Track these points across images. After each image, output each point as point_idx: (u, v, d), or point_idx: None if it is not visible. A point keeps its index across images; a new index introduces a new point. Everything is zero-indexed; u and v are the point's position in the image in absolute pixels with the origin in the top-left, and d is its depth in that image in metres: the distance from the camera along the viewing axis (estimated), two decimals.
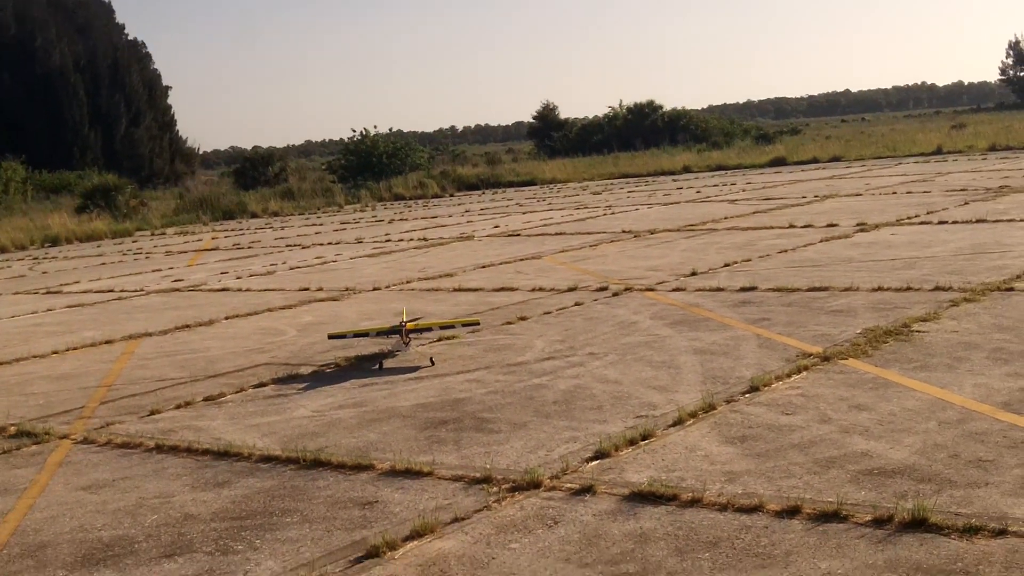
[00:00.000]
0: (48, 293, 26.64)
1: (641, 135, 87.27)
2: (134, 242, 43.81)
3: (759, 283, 17.65)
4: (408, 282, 22.29)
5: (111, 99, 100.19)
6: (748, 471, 8.54)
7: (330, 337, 15.34)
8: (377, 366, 13.72)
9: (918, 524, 7.18)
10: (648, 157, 72.08)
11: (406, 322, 14.36)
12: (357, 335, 15.16)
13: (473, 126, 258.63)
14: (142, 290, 25.34)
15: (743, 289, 17.30)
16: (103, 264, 34.16)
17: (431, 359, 13.75)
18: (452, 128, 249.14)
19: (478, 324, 15.60)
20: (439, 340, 15.30)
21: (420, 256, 27.62)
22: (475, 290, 20.08)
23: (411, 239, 32.74)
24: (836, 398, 10.48)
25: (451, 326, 15.40)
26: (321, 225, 43.62)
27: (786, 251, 21.79)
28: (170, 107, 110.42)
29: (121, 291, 25.47)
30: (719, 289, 17.58)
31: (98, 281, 28.44)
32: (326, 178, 71.92)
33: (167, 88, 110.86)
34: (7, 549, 8.29)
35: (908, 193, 33.64)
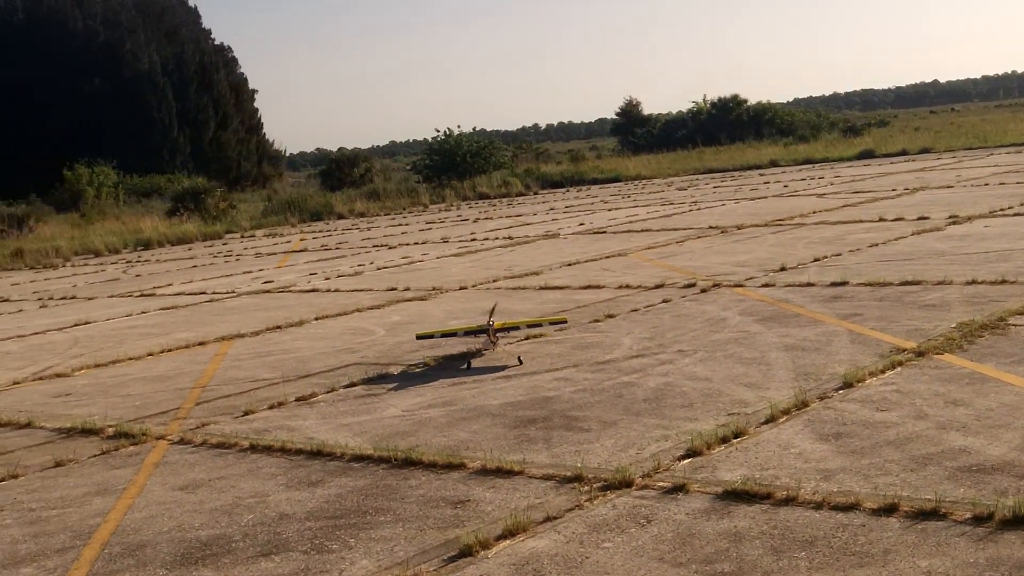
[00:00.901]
0: (142, 296, 27.07)
1: (726, 129, 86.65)
2: (224, 244, 44.37)
3: (850, 278, 17.46)
4: (494, 281, 22.34)
5: (199, 102, 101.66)
6: (843, 468, 8.45)
7: (418, 337, 15.41)
8: (465, 366, 13.72)
9: (1019, 521, 7.06)
10: (733, 151, 71.63)
11: (493, 321, 14.34)
12: (445, 335, 15.18)
13: (556, 124, 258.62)
14: (233, 292, 25.65)
15: (833, 284, 17.12)
16: (194, 266, 34.63)
17: (519, 358, 13.72)
18: (535, 126, 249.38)
19: (566, 323, 15.50)
20: (526, 339, 15.31)
21: (506, 254, 27.67)
22: (561, 288, 20.07)
23: (496, 238, 32.81)
24: (931, 393, 10.34)
25: (538, 324, 15.41)
26: (407, 225, 43.86)
27: (877, 245, 21.52)
28: (257, 110, 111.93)
29: (213, 293, 25.80)
30: (809, 284, 17.41)
31: (190, 283, 28.84)
32: (411, 178, 72.40)
33: (253, 91, 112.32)
34: (108, 548, 8.44)
35: (1001, 184, 33.08)
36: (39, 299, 28.81)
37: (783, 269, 19.34)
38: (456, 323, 16.82)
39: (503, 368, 13.41)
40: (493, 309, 15.12)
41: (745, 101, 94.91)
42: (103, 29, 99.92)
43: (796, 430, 9.60)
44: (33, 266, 42.48)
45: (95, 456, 11.33)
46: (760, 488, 8.11)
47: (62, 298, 28.55)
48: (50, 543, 8.72)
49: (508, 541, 7.65)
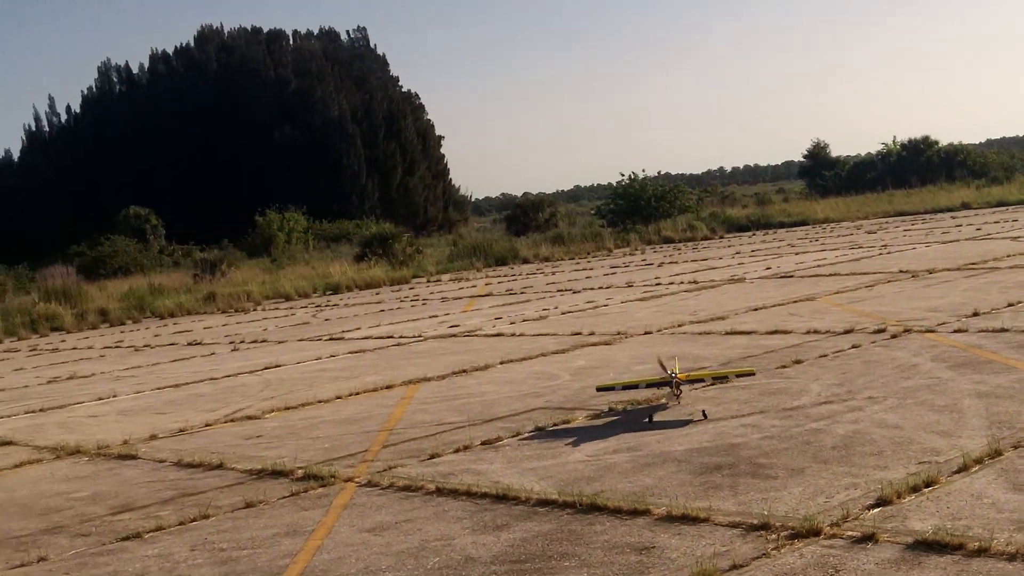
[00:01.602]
0: (331, 339, 27.67)
1: (916, 171, 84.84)
2: (411, 289, 45.11)
3: None
4: (679, 325, 22.22)
5: (387, 149, 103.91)
6: None
7: (599, 390, 15.01)
8: (647, 419, 13.27)
9: None
10: (924, 194, 70.07)
11: (677, 373, 13.74)
12: (626, 387, 14.66)
13: (742, 167, 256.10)
14: (420, 336, 26.03)
15: None
16: (382, 311, 35.27)
17: (704, 412, 13.17)
18: (720, 169, 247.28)
19: (753, 374, 14.82)
20: (712, 385, 15.18)
21: (691, 299, 27.50)
22: (748, 333, 19.85)
23: (681, 282, 32.64)
24: None
25: (724, 377, 14.91)
26: (591, 269, 43.96)
27: None
28: (443, 156, 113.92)
29: (400, 337, 26.23)
30: (1003, 330, 16.88)
31: (378, 327, 29.37)
32: (595, 222, 72.71)
33: (440, 137, 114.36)
34: None
35: None
36: (231, 342, 29.70)
37: (976, 314, 18.79)
38: (639, 372, 16.77)
39: (687, 423, 12.92)
40: (664, 363, 14.26)
41: (936, 142, 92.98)
42: (294, 78, 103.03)
43: (989, 479, 9.30)
44: (225, 310, 43.86)
45: (284, 498, 11.59)
46: (952, 539, 7.87)
47: (253, 341, 29.39)
48: None
49: None
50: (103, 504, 12.27)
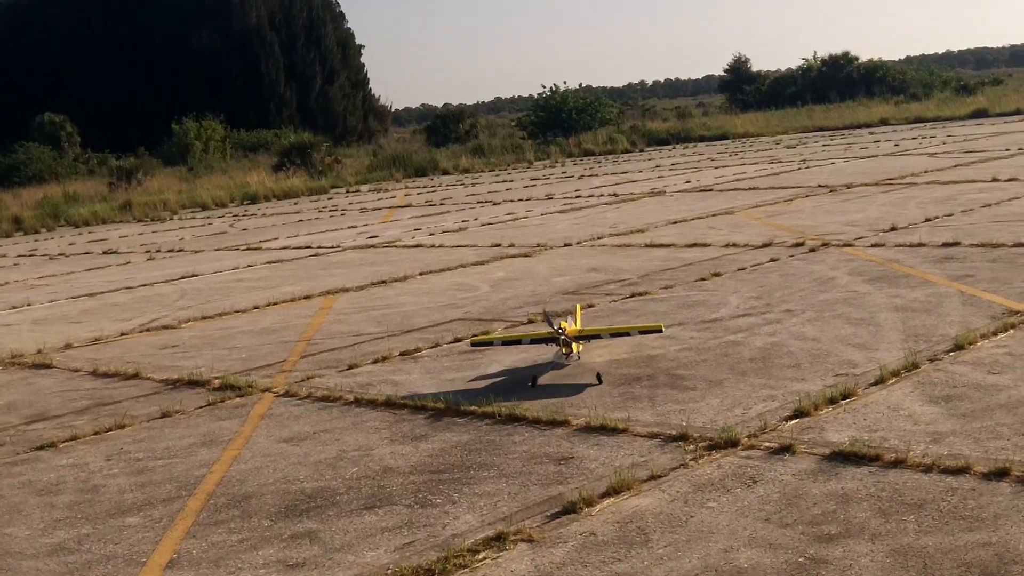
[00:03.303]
0: (248, 249, 27.41)
1: (836, 87, 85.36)
2: (329, 199, 44.74)
3: (962, 238, 17.09)
4: (599, 238, 22.23)
5: (306, 57, 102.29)
6: (954, 431, 8.28)
7: (472, 345, 12.70)
8: (530, 383, 10.98)
9: None
10: (843, 110, 70.57)
11: (565, 328, 11.26)
12: (506, 343, 12.37)
13: (663, 80, 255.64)
14: (338, 246, 25.84)
15: (945, 244, 16.76)
16: (300, 221, 34.97)
17: (599, 376, 10.90)
18: (642, 82, 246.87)
19: (661, 331, 11.68)
20: (631, 296, 15.20)
21: (611, 212, 27.52)
22: (667, 246, 19.90)
23: (601, 195, 32.64)
24: None
25: (625, 334, 11.91)
26: (511, 181, 43.83)
27: (990, 205, 21.03)
28: (363, 65, 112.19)
29: (318, 247, 26.02)
30: (920, 245, 17.07)
31: (296, 238, 29.12)
32: (516, 134, 72.32)
33: (360, 47, 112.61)
34: (214, 499, 8.55)
35: None
36: (147, 252, 29.32)
37: (893, 229, 18.98)
38: (558, 284, 16.79)
39: (580, 389, 10.66)
40: (551, 319, 11.77)
41: (856, 58, 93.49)
42: None
43: (906, 392, 9.42)
44: (141, 219, 43.25)
45: (201, 407, 11.48)
46: (868, 450, 7.97)
47: (169, 251, 29.03)
48: (156, 493, 8.86)
49: (612, 499, 7.60)
50: (17, 414, 12.07)
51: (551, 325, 11.38)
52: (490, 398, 10.40)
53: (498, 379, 11.37)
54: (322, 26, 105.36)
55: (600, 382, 10.68)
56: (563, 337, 11.04)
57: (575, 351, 11.21)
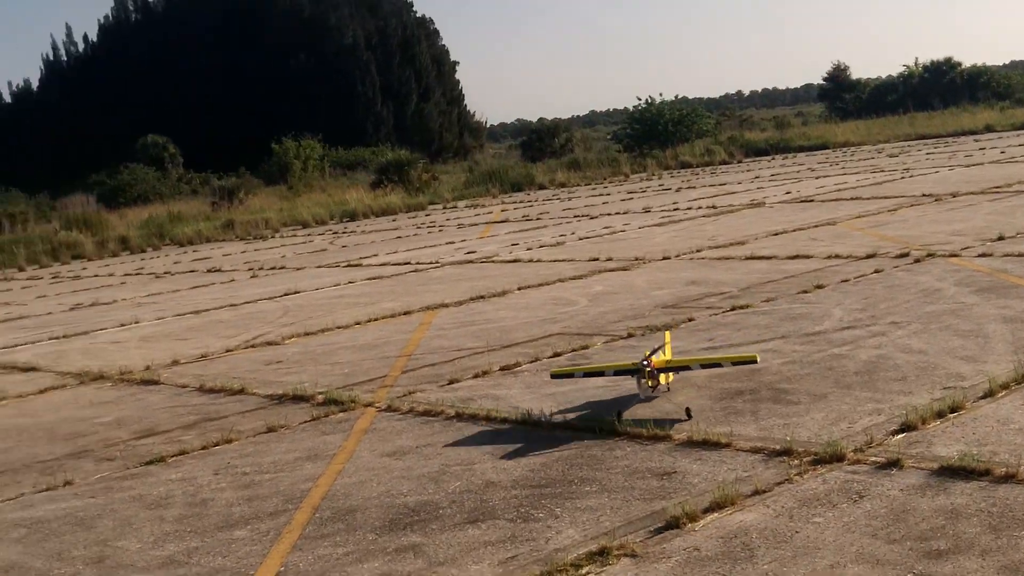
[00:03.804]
0: (348, 266, 27.65)
1: (939, 94, 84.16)
2: (427, 215, 45.01)
3: None
4: (698, 250, 22.10)
5: (402, 75, 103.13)
6: None
7: (552, 377, 11.77)
8: (614, 416, 10.13)
9: None
10: (947, 117, 69.48)
11: (652, 358, 10.48)
12: (588, 374, 11.51)
13: (760, 90, 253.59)
14: (437, 262, 25.98)
15: None
16: (399, 237, 35.22)
17: (688, 411, 10.06)
18: (739, 93, 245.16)
19: (755, 361, 10.84)
20: (732, 310, 15.07)
21: (709, 224, 27.35)
22: (768, 258, 19.73)
23: (699, 207, 32.46)
24: None
25: (717, 364, 11.12)
26: (608, 195, 43.77)
27: None
28: (458, 82, 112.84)
29: (417, 263, 26.18)
30: None
31: (395, 254, 29.33)
32: (611, 148, 72.28)
33: (455, 63, 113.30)
34: (319, 512, 8.62)
35: None
36: (250, 269, 29.71)
37: (1001, 238, 18.62)
38: (657, 297, 16.71)
39: (671, 423, 9.90)
40: (657, 349, 10.92)
41: (959, 64, 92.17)
42: (308, 4, 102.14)
43: (1016, 405, 9.22)
44: (243, 237, 43.86)
45: (306, 422, 11.60)
46: (978, 464, 7.80)
47: (271, 268, 29.39)
48: (263, 507, 8.96)
49: (716, 514, 7.53)
50: (127, 429, 12.30)
51: (653, 356, 10.52)
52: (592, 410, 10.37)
53: (600, 392, 11.33)
54: (417, 44, 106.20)
55: (689, 417, 9.90)
56: (648, 369, 10.27)
57: (663, 383, 10.51)
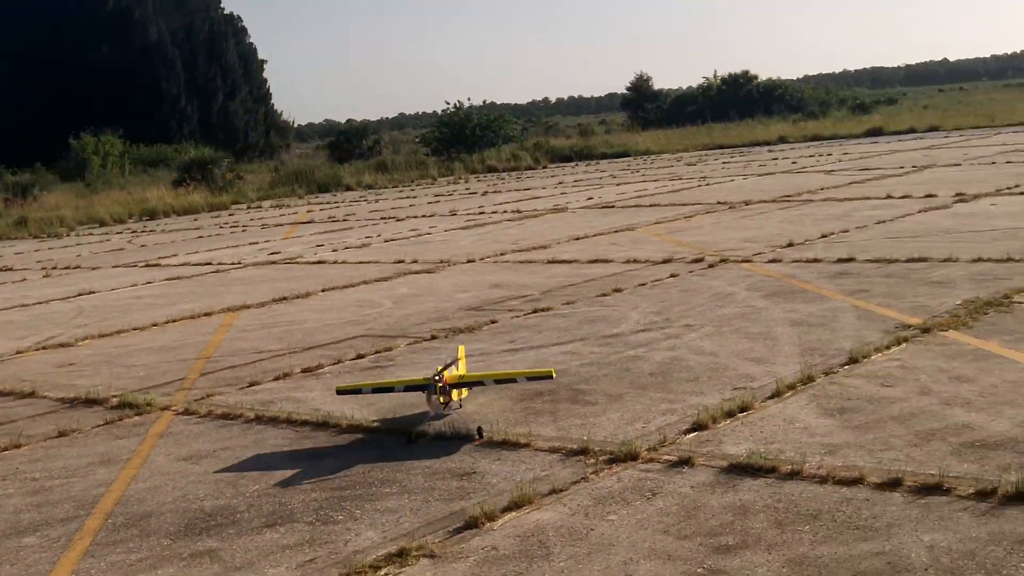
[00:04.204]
0: (147, 266, 27.06)
1: (736, 106, 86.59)
2: (230, 215, 44.34)
3: (856, 254, 17.43)
4: (502, 254, 22.31)
5: (208, 72, 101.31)
6: (848, 443, 8.44)
7: (339, 393, 10.88)
8: (408, 438, 9.76)
9: (1022, 497, 7.06)
10: (743, 128, 71.66)
11: (444, 374, 9.97)
12: (377, 390, 10.86)
13: (566, 98, 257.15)
14: (239, 263, 25.64)
15: (840, 260, 17.08)
16: (200, 237, 34.62)
17: (479, 430, 9.65)
18: (545, 100, 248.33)
19: (551, 376, 10.26)
20: (533, 312, 15.26)
21: (514, 228, 27.63)
22: (569, 262, 20.04)
23: (505, 211, 32.76)
24: (936, 370, 10.32)
25: (512, 380, 10.59)
26: (415, 198, 43.81)
27: (884, 222, 21.48)
28: (265, 80, 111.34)
29: (219, 264, 25.80)
30: (816, 260, 17.38)
31: (196, 254, 28.83)
32: (420, 151, 72.30)
33: (262, 62, 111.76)
34: (112, 518, 8.45)
35: (1008, 163, 33.05)
36: (43, 268, 28.82)
37: (790, 245, 19.30)
38: (460, 300, 16.83)
39: (459, 442, 9.55)
40: (449, 364, 10.42)
41: (755, 77, 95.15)
42: None
43: (801, 405, 9.59)
44: (37, 235, 42.49)
45: (99, 426, 11.34)
46: (765, 462, 8.10)
47: (66, 268, 28.56)
48: (53, 513, 8.73)
49: (514, 513, 7.65)
50: None
51: (445, 370, 10.04)
52: (393, 413, 10.40)
53: (405, 394, 11.35)
54: (224, 40, 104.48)
55: (481, 437, 9.49)
56: (440, 384, 9.73)
57: (455, 399, 10.12)
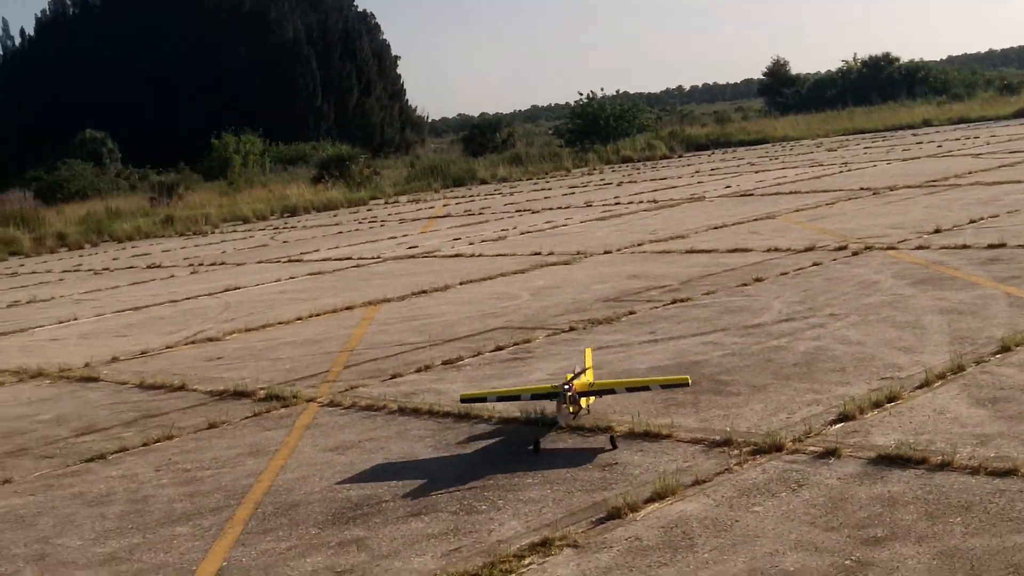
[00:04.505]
0: (290, 261, 27.53)
1: (877, 89, 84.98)
2: (368, 210, 44.86)
3: (1008, 239, 16.95)
4: (639, 244, 22.20)
5: (343, 70, 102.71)
6: (1000, 434, 8.22)
7: (463, 401, 10.57)
8: (531, 447, 9.32)
9: None
10: (885, 111, 70.23)
11: (573, 382, 9.50)
12: (502, 399, 10.37)
13: (701, 85, 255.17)
14: (379, 257, 25.93)
15: (991, 246, 16.63)
16: (340, 233, 35.08)
17: (612, 439, 9.21)
18: (679, 88, 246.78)
19: (687, 384, 9.76)
20: (672, 303, 15.16)
21: (650, 218, 27.49)
22: (708, 251, 19.87)
23: (641, 201, 32.60)
24: None
25: (645, 388, 9.96)
26: (550, 190, 43.84)
27: None
28: (399, 76, 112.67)
29: (359, 259, 26.11)
30: (965, 246, 16.95)
31: (336, 249, 29.23)
32: (553, 143, 72.35)
33: (396, 58, 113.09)
34: (261, 508, 8.61)
35: None
36: (190, 265, 29.49)
37: (938, 231, 18.86)
38: (598, 292, 16.78)
39: (593, 453, 9.08)
40: (577, 369, 10.18)
41: (897, 59, 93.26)
42: None
43: (952, 395, 9.36)
44: (183, 233, 43.50)
45: (247, 418, 11.56)
46: (914, 453, 7.92)
47: (212, 264, 29.21)
48: (205, 503, 8.93)
49: (657, 504, 7.60)
50: (67, 426, 12.19)
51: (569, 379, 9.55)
52: (535, 404, 10.41)
53: (544, 382, 11.35)
54: (358, 38, 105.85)
55: (615, 447, 9.04)
56: (570, 394, 9.28)
57: (584, 407, 9.67)
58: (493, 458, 9.16)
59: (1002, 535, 6.48)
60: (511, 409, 10.46)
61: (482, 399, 10.38)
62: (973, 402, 9.08)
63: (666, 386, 9.97)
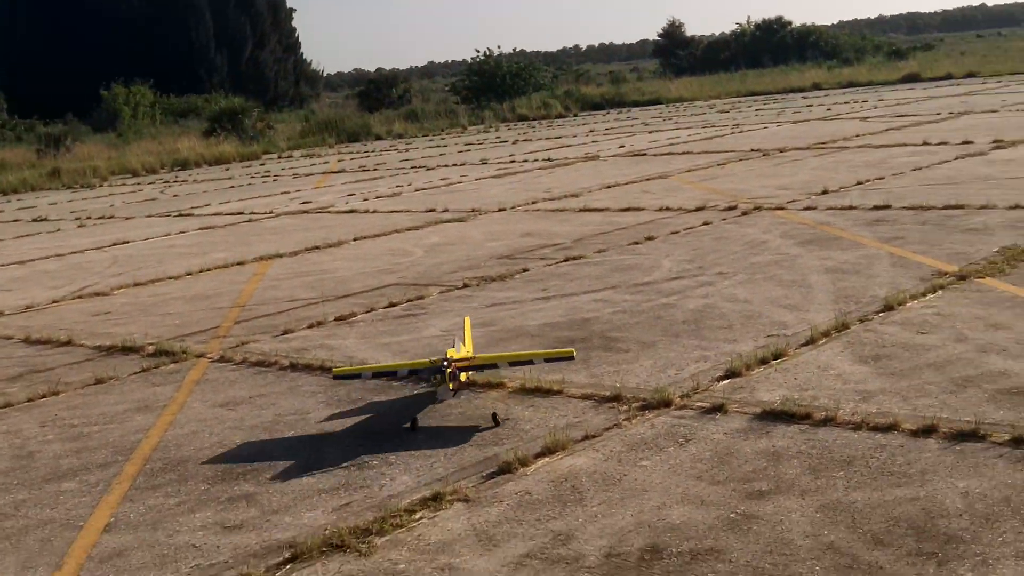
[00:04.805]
0: (180, 216, 27.17)
1: (769, 52, 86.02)
2: (261, 165, 44.40)
3: (892, 201, 17.31)
4: (533, 203, 22.27)
5: (237, 22, 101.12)
6: (882, 390, 8.42)
7: (335, 378, 9.92)
8: (409, 425, 8.84)
9: None
10: (777, 74, 71.16)
11: (452, 357, 8.87)
12: (377, 375, 9.80)
13: (597, 45, 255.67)
14: (271, 212, 25.70)
15: (876, 208, 16.98)
16: (232, 187, 34.69)
17: (495, 416, 8.78)
18: (576, 47, 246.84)
19: (572, 357, 9.23)
20: (565, 260, 15.26)
21: (545, 176, 27.56)
22: (601, 210, 19.99)
23: (536, 160, 32.67)
24: (972, 317, 10.27)
25: (528, 361, 9.38)
26: (445, 146, 43.73)
27: (920, 169, 21.31)
28: (294, 29, 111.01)
29: (251, 213, 25.86)
30: (851, 207, 17.27)
31: (228, 204, 28.91)
32: (449, 99, 72.08)
33: (291, 10, 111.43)
34: (150, 464, 8.53)
35: None
36: (77, 219, 28.96)
37: (825, 192, 19.18)
38: (492, 249, 16.82)
39: (473, 430, 8.64)
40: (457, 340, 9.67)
41: (789, 23, 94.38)
42: None
43: (836, 352, 9.56)
44: (70, 186, 42.64)
45: (135, 374, 11.43)
46: (799, 409, 8.10)
47: (100, 218, 28.70)
48: (92, 458, 8.83)
49: (547, 459, 7.68)
50: None
51: (453, 353, 8.95)
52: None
53: (438, 342, 11.40)
54: None
55: (497, 424, 8.63)
56: (449, 370, 8.74)
57: (464, 380, 9.15)
58: (385, 413, 9.17)
59: (883, 489, 6.65)
60: (402, 364, 10.45)
61: (356, 375, 9.86)
62: (856, 359, 9.28)
63: (550, 359, 9.41)
